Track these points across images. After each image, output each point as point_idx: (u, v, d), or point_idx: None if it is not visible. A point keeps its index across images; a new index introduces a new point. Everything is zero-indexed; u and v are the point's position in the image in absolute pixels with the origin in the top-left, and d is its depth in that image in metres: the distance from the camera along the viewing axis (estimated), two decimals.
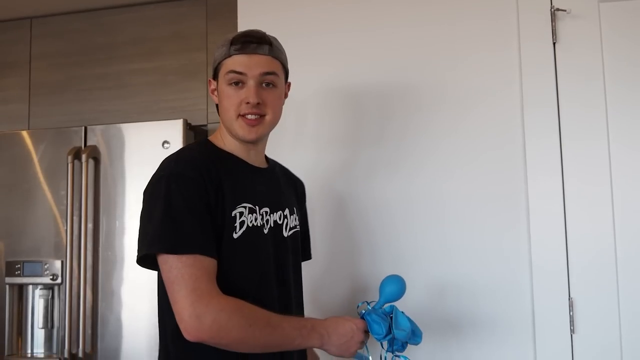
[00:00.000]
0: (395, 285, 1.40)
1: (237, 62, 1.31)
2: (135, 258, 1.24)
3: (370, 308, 1.38)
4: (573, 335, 1.68)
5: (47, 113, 2.64)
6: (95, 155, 2.25)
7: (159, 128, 2.23)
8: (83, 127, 2.29)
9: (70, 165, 2.22)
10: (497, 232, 1.77)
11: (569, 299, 1.69)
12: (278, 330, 1.20)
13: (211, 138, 1.40)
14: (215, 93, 1.38)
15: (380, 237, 1.85)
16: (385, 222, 1.85)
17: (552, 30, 1.76)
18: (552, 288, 1.70)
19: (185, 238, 1.17)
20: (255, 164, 1.39)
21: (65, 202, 2.24)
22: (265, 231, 1.33)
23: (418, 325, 1.38)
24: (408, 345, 1.36)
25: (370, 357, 1.37)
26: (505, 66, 1.80)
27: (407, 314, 1.38)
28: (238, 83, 1.31)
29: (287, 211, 1.43)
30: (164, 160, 1.30)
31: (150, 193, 1.24)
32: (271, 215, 1.36)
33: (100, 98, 2.59)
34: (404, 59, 1.88)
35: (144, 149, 2.22)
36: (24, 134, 2.35)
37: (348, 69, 1.90)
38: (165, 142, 2.20)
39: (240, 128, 1.32)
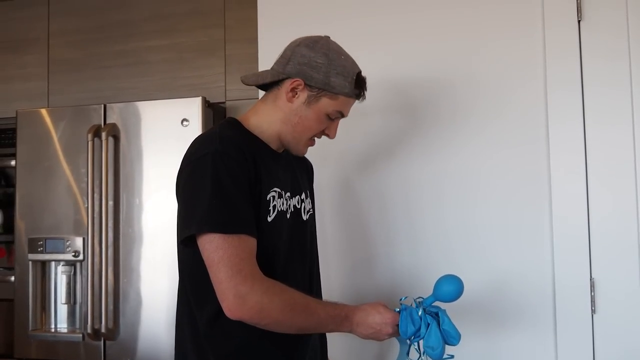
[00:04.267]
0: (452, 285, 1.35)
1: (349, 105, 1.37)
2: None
3: (416, 304, 1.36)
4: (594, 315, 1.68)
5: (65, 90, 2.65)
6: (115, 133, 2.26)
7: (178, 106, 2.24)
8: (102, 105, 2.30)
9: (90, 143, 2.23)
10: (518, 212, 1.76)
11: (591, 280, 1.68)
12: (314, 317, 1.24)
13: (241, 120, 1.38)
14: (297, 96, 1.32)
15: (396, 216, 1.85)
16: (402, 202, 1.85)
17: (577, 7, 1.72)
18: (573, 268, 1.69)
19: (234, 218, 1.18)
20: (276, 150, 1.40)
21: (85, 179, 2.26)
22: (288, 216, 1.35)
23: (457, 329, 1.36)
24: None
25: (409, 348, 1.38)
26: (529, 44, 1.77)
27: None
28: (334, 118, 1.36)
29: (303, 195, 1.45)
30: (202, 139, 1.30)
31: (194, 169, 1.23)
32: (291, 199, 1.38)
33: (118, 75, 2.59)
34: (427, 44, 1.85)
35: (163, 126, 2.23)
36: (44, 111, 2.36)
37: (369, 55, 1.86)
38: (184, 119, 2.20)
39: (304, 147, 1.39)
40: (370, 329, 1.29)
